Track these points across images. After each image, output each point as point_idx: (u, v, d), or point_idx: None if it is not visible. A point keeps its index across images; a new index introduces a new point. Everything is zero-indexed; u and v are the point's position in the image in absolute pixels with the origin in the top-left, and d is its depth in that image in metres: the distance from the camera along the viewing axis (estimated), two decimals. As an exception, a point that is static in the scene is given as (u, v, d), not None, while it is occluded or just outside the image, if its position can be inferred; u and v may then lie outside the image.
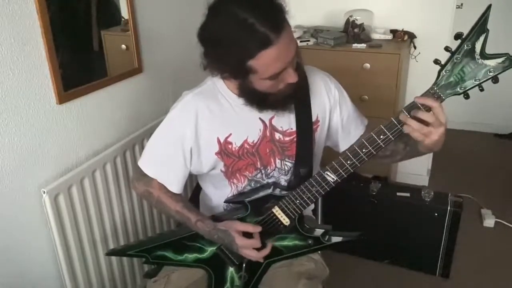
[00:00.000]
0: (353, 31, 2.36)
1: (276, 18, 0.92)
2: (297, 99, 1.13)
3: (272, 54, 0.93)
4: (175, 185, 1.19)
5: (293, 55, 0.98)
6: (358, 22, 2.37)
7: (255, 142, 1.15)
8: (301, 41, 2.33)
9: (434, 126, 0.94)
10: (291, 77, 1.00)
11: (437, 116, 0.93)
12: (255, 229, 1.12)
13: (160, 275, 1.28)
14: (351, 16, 2.39)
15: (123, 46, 1.65)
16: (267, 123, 1.15)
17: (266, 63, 0.94)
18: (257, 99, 1.06)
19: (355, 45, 2.29)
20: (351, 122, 1.24)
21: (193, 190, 1.49)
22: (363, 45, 2.28)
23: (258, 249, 1.12)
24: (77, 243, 1.42)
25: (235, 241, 1.11)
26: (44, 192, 1.28)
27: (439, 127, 0.95)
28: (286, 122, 1.16)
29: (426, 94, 0.95)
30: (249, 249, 1.12)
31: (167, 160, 1.17)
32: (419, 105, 0.95)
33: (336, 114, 1.22)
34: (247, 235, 1.12)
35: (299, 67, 1.06)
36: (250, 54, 0.93)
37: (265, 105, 1.08)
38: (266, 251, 1.14)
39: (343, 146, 1.27)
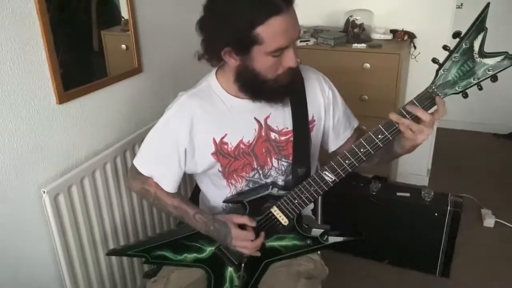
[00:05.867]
0: (353, 31, 2.36)
1: None
2: (293, 97, 1.13)
3: (281, 23, 0.94)
4: (170, 185, 1.20)
5: (298, 35, 1.00)
6: (358, 22, 2.37)
7: (250, 142, 1.15)
8: (301, 41, 2.33)
9: (426, 125, 0.95)
10: (292, 60, 1.00)
11: (432, 118, 0.94)
12: (251, 222, 1.14)
13: (160, 275, 1.28)
14: (351, 16, 2.39)
15: (123, 46, 1.65)
16: (262, 122, 1.15)
17: (274, 31, 0.94)
18: (254, 84, 1.04)
19: (355, 45, 2.29)
20: (340, 124, 1.25)
21: (193, 190, 1.49)
22: (363, 45, 2.28)
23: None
24: (77, 243, 1.42)
25: (230, 231, 1.12)
26: (44, 192, 1.28)
27: (429, 128, 0.96)
28: (281, 121, 1.16)
29: (424, 93, 0.96)
30: (242, 240, 1.13)
31: (161, 160, 1.18)
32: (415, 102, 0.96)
33: (329, 115, 1.22)
34: (243, 229, 1.14)
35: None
36: (261, 19, 0.93)
37: (260, 93, 1.07)
38: (259, 241, 1.14)
39: (332, 147, 1.28)
